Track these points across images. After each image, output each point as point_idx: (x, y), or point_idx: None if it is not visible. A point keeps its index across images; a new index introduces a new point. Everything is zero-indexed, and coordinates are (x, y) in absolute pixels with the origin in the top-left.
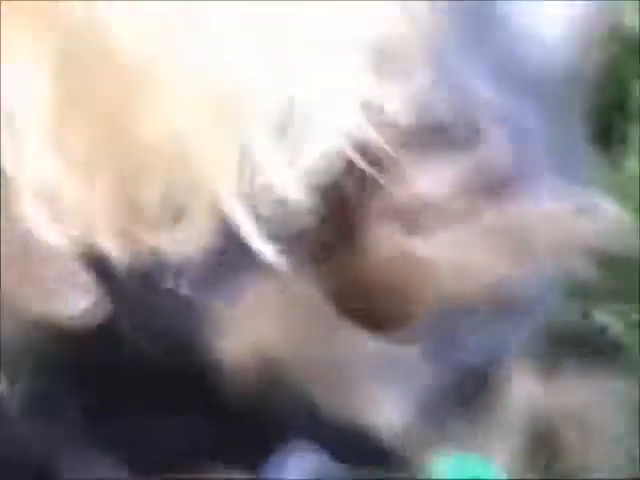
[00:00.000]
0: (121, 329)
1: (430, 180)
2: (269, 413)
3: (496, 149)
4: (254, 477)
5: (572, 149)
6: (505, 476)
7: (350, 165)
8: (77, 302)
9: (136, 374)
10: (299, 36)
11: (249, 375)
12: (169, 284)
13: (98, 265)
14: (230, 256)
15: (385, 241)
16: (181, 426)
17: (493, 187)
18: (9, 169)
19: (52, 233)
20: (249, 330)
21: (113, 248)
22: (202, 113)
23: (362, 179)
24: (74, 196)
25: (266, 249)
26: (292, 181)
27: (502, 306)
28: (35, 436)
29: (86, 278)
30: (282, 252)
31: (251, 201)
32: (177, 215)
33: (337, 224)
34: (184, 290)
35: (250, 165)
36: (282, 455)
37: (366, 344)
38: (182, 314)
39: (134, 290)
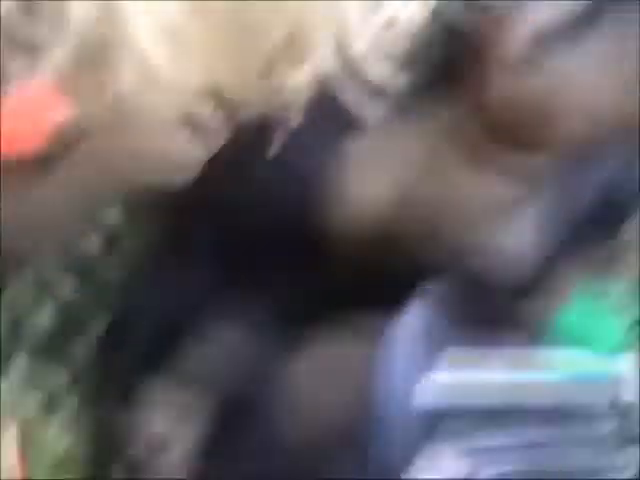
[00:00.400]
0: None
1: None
2: (383, 274)
3: None
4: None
5: None
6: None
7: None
8: (181, 170)
9: (251, 239)
10: None
11: (363, 233)
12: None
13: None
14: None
15: (509, 80)
16: (301, 278)
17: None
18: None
19: (173, 70)
20: (362, 188)
21: (233, 90)
22: None
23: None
24: (196, 38)
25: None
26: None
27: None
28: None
29: (210, 122)
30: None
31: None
32: (297, 60)
33: (467, 63)
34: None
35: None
36: (398, 314)
37: (489, 186)
38: (292, 176)
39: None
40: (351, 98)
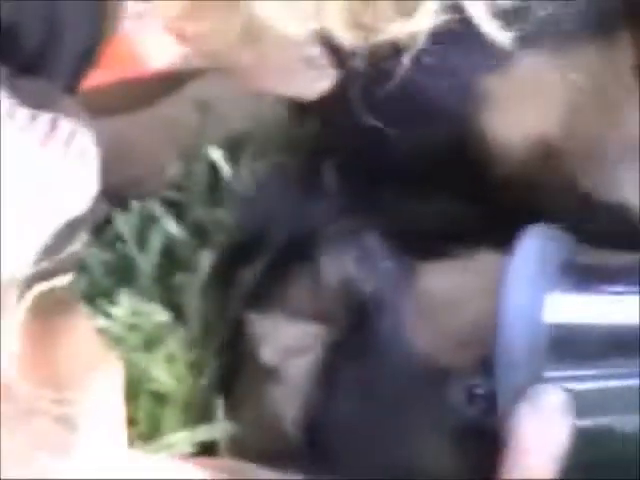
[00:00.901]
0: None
1: None
2: (531, 193)
3: None
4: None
5: None
6: None
7: None
8: (316, 83)
9: (393, 152)
10: None
11: (516, 155)
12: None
13: (333, 49)
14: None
15: None
16: (441, 203)
17: None
18: None
19: (290, 24)
20: (525, 108)
21: (348, 39)
22: None
23: None
24: None
25: (501, 34)
26: None
27: None
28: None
29: (325, 62)
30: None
31: None
32: (410, 8)
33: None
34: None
35: None
36: (535, 231)
37: None
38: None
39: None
40: (486, 25)
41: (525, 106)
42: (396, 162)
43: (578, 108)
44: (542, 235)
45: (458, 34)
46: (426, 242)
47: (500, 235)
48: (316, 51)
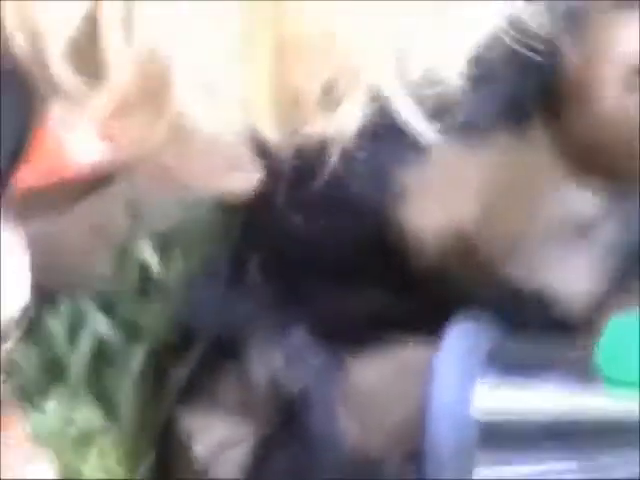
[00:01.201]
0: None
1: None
2: (451, 283)
3: None
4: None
5: None
6: None
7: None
8: (243, 182)
9: (311, 245)
10: None
11: (434, 245)
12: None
13: (259, 148)
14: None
15: (611, 101)
16: (365, 295)
17: None
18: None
19: (211, 121)
20: (442, 199)
21: (273, 135)
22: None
23: None
24: (234, 85)
25: (425, 128)
26: (452, 62)
27: None
28: (225, 305)
29: (251, 160)
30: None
31: (410, 84)
32: (336, 101)
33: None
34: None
35: (408, 48)
36: (459, 323)
37: (561, 213)
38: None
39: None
40: (411, 120)
41: (442, 198)
42: (319, 256)
43: (494, 198)
44: (467, 327)
45: (378, 126)
46: (354, 334)
47: (427, 326)
48: (242, 151)
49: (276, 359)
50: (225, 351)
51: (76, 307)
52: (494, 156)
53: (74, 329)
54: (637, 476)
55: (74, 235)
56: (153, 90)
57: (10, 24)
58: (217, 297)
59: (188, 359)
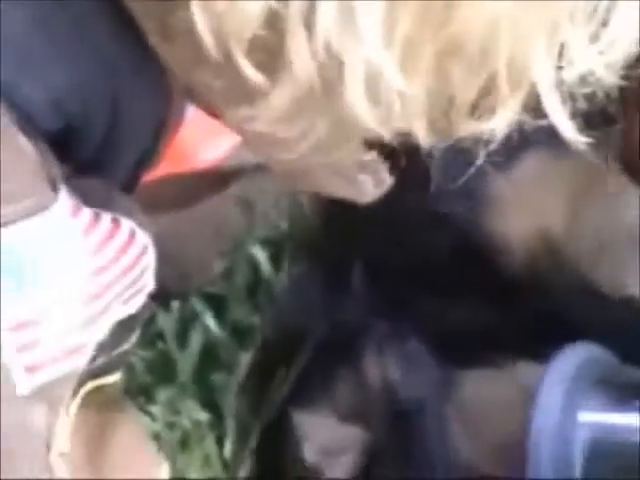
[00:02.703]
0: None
1: None
2: (550, 295)
3: None
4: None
5: None
6: None
7: None
8: (373, 188)
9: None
10: None
11: (531, 254)
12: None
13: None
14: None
15: None
16: (466, 307)
17: None
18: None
19: (372, 118)
20: (531, 207)
21: (426, 138)
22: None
23: None
24: (396, 85)
25: (570, 127)
26: (599, 63)
27: None
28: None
29: (382, 167)
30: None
31: (559, 83)
32: (491, 105)
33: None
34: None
35: (559, 49)
36: (567, 351)
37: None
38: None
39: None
40: (556, 118)
41: (530, 205)
42: (420, 266)
43: (578, 202)
44: (579, 351)
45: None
46: (465, 348)
47: (535, 344)
48: (373, 155)
49: (392, 367)
50: (337, 355)
51: (186, 307)
52: (576, 160)
53: (184, 330)
54: None
55: (191, 233)
56: (326, 87)
57: (199, 26)
58: (325, 299)
59: (297, 361)
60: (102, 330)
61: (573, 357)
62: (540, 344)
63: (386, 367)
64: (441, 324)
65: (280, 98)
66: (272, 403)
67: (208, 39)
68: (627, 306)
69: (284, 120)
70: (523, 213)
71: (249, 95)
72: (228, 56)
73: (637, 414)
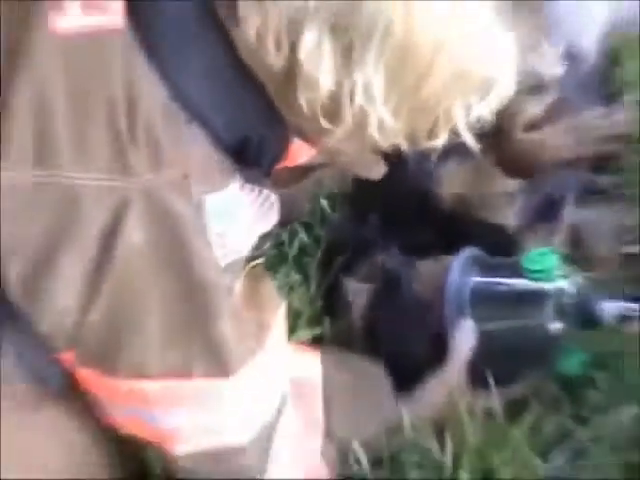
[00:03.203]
0: None
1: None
2: (461, 223)
3: None
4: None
5: None
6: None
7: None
8: (377, 171)
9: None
10: None
11: (454, 205)
12: None
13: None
14: None
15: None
16: (422, 232)
17: None
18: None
19: (381, 139)
20: (448, 182)
21: (405, 146)
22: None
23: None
24: (390, 125)
25: (473, 143)
26: (485, 110)
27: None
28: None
29: (381, 160)
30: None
31: (467, 120)
32: (436, 132)
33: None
34: None
35: (468, 104)
36: (464, 251)
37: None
38: None
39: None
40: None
41: (442, 181)
42: (401, 212)
43: (475, 180)
44: (470, 250)
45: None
46: (420, 250)
47: (451, 248)
48: (377, 154)
49: (386, 258)
50: (361, 253)
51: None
52: (478, 161)
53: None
54: None
55: (297, 195)
56: (360, 127)
57: (302, 101)
58: (356, 227)
59: (343, 255)
60: (254, 239)
61: (467, 253)
62: (453, 248)
63: (384, 259)
64: (409, 240)
65: (339, 133)
66: (332, 274)
67: (305, 108)
68: (496, 229)
69: (341, 141)
70: (447, 185)
71: (324, 131)
72: (315, 113)
73: (496, 276)
